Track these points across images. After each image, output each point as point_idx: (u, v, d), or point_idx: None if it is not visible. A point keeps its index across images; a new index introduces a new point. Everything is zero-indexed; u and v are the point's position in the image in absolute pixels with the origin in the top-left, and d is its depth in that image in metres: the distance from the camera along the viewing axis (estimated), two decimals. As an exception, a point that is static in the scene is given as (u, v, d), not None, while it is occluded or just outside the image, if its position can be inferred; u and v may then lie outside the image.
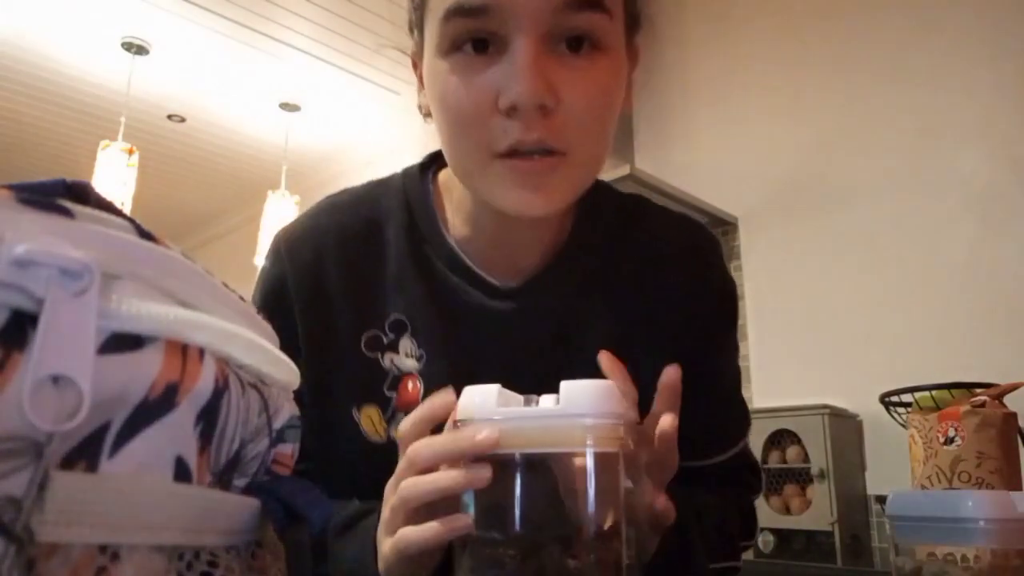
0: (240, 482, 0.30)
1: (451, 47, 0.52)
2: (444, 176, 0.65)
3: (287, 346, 0.50)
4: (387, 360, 0.59)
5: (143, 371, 0.23)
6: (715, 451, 0.66)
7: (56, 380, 0.20)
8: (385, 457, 0.50)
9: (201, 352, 0.25)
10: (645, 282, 0.63)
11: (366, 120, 3.67)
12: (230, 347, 0.27)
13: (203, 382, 0.25)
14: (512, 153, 0.51)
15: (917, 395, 1.33)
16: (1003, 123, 1.75)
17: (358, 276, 0.60)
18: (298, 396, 0.32)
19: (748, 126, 2.25)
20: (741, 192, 2.21)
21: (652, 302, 0.63)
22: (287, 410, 0.32)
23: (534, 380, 0.46)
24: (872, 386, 1.67)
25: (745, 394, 0.74)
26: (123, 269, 0.23)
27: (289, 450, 0.32)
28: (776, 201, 2.14)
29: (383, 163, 3.72)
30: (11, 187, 0.22)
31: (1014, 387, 0.91)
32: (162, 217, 4.75)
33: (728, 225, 2.21)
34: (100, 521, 0.21)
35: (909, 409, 1.36)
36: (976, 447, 0.88)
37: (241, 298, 0.30)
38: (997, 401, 0.91)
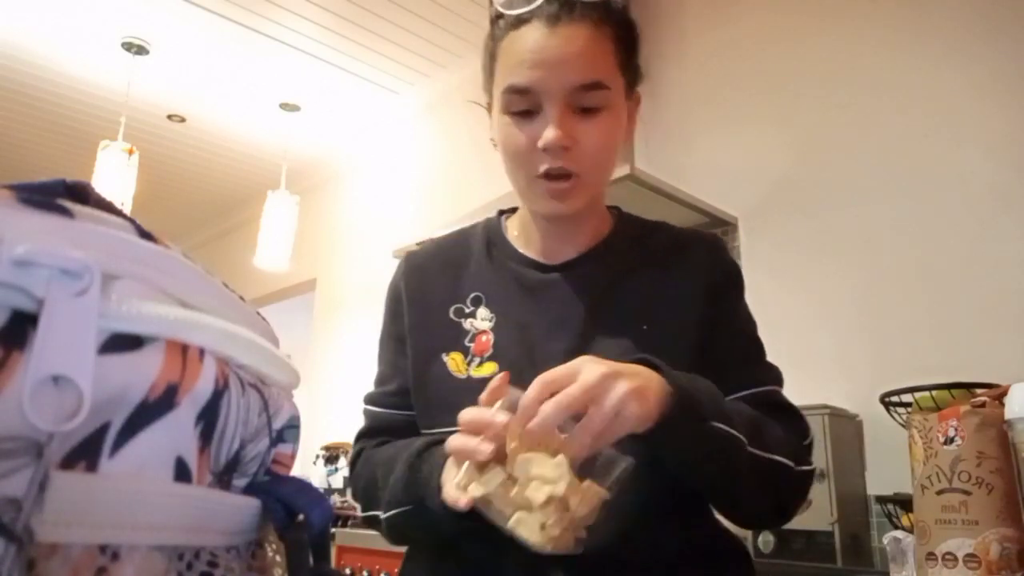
0: (240, 482, 0.29)
1: (508, 110, 0.81)
2: (511, 217, 0.97)
3: (398, 323, 0.91)
4: (467, 323, 0.87)
5: (143, 371, 0.23)
6: (736, 388, 0.82)
7: (56, 380, 0.20)
8: (466, 387, 0.79)
9: (201, 352, 0.25)
10: (669, 266, 0.87)
11: (366, 120, 3.67)
12: (230, 347, 0.26)
13: (203, 382, 0.25)
14: (546, 176, 0.81)
15: (917, 395, 1.33)
16: (1003, 123, 1.75)
17: (451, 271, 0.91)
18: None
19: (747, 126, 2.25)
20: (741, 192, 2.21)
21: (676, 279, 0.86)
22: (287, 410, 0.32)
23: (574, 331, 0.82)
24: (872, 386, 1.67)
25: (745, 394, 0.79)
26: (123, 269, 0.23)
27: (289, 450, 0.32)
28: (776, 201, 2.14)
29: (383, 163, 3.72)
30: (11, 187, 0.22)
31: (1014, 387, 0.91)
32: (162, 217, 4.75)
33: (728, 225, 2.20)
34: (100, 521, 0.21)
35: (909, 409, 1.36)
36: (976, 447, 0.88)
37: (241, 298, 0.30)
38: (997, 401, 0.91)
